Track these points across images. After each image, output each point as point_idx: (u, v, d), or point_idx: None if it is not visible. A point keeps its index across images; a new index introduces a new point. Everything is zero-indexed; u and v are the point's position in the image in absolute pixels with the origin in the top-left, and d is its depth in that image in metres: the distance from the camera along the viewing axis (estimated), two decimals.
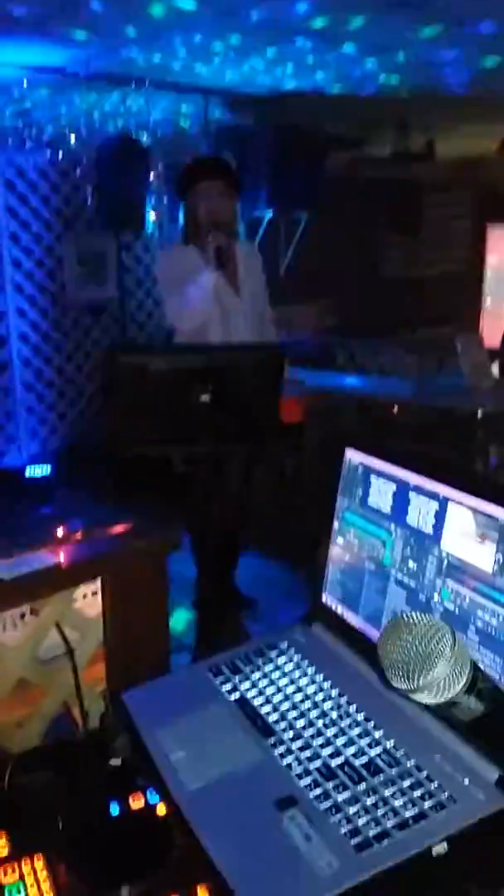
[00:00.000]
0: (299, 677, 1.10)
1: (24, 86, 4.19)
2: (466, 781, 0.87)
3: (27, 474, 2.59)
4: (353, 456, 1.18)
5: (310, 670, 1.11)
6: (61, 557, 1.49)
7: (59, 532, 1.55)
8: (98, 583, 1.58)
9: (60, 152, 4.75)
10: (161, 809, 1.04)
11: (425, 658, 0.63)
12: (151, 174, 4.83)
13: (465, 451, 3.66)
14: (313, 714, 1.02)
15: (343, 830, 0.84)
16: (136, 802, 1.05)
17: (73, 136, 4.75)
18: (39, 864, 0.98)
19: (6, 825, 1.05)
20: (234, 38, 3.59)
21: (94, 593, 1.68)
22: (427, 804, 0.85)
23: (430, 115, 5.41)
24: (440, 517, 1.00)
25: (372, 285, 7.55)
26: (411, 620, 0.66)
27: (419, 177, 7.14)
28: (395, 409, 4.08)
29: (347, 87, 4.54)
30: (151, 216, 4.91)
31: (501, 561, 0.91)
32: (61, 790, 1.12)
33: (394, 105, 5.05)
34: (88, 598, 1.67)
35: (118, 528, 1.59)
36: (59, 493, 2.20)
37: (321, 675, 1.09)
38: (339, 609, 1.18)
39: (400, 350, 5.20)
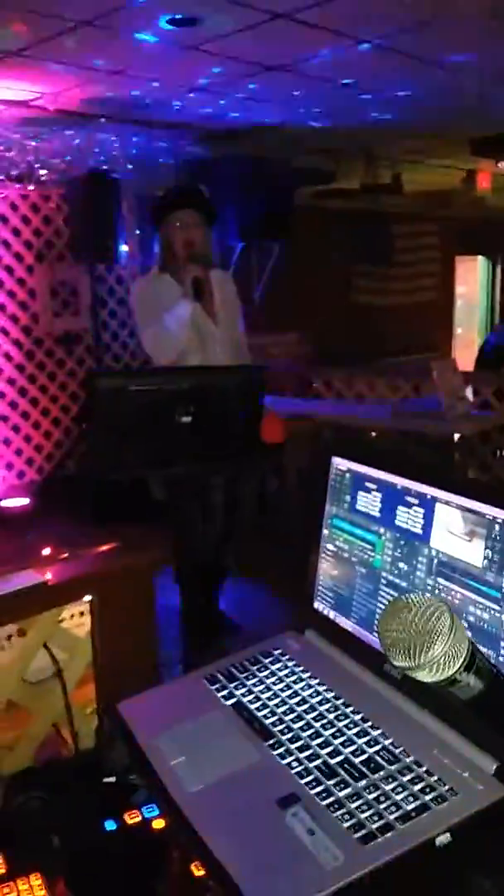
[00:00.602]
0: (295, 682, 1.10)
1: None
2: (465, 774, 0.89)
3: (4, 506, 2.58)
4: (340, 463, 1.20)
5: (304, 675, 1.12)
6: (48, 576, 1.48)
7: (46, 551, 1.55)
8: (85, 603, 1.57)
9: (31, 185, 4.80)
10: (157, 824, 1.04)
11: (426, 634, 0.64)
12: (123, 206, 4.90)
13: None
14: (311, 716, 1.03)
15: (346, 824, 0.84)
16: (132, 818, 1.05)
17: (43, 170, 4.81)
18: (37, 881, 0.98)
19: (2, 845, 1.04)
20: (203, 77, 3.69)
21: (82, 613, 1.67)
22: (428, 797, 0.86)
23: (396, 148, 5.56)
24: (428, 518, 1.03)
25: (345, 314, 7.68)
26: (410, 600, 0.68)
27: (388, 209, 7.32)
28: (374, 434, 4.15)
29: (317, 120, 4.66)
30: (123, 248, 4.97)
31: (490, 556, 0.94)
32: (56, 809, 1.11)
33: (361, 139, 5.18)
34: (76, 619, 1.67)
35: (105, 547, 1.59)
36: (38, 523, 2.20)
37: (316, 680, 1.10)
38: (332, 614, 1.19)
39: (376, 376, 5.27)
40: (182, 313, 2.72)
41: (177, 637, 2.89)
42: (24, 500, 2.56)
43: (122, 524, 1.82)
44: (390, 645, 0.67)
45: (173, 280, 2.82)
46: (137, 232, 5.06)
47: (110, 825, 1.04)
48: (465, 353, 9.02)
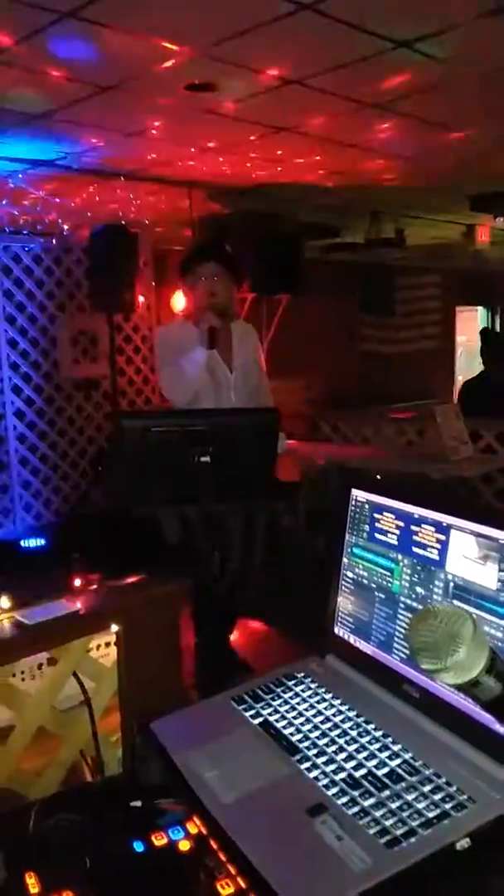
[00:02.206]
0: (318, 702, 1.17)
1: (20, 178, 4.45)
2: (483, 784, 0.95)
3: (23, 546, 2.65)
4: (358, 494, 1.28)
5: (327, 696, 1.18)
6: (79, 605, 1.55)
7: (77, 582, 1.62)
8: (112, 633, 1.63)
9: (54, 239, 5.00)
10: (183, 846, 1.09)
11: (451, 639, 0.72)
12: (140, 259, 5.09)
13: None
14: (335, 733, 1.09)
15: (372, 831, 0.90)
16: (159, 840, 1.10)
17: (65, 225, 5.01)
18: None
19: (36, 865, 1.08)
20: (217, 138, 3.88)
21: (108, 644, 1.74)
22: (448, 805, 0.92)
23: (399, 204, 5.77)
24: (444, 543, 1.10)
25: (351, 361, 7.83)
26: (436, 608, 0.75)
27: (391, 261, 7.53)
28: (378, 476, 4.21)
29: (324, 178, 4.86)
30: (140, 298, 5.14)
31: None
32: (86, 831, 1.16)
33: (366, 195, 5.39)
34: (102, 649, 1.73)
35: (133, 578, 1.66)
36: (56, 563, 2.26)
37: (339, 700, 1.16)
38: (352, 639, 1.25)
39: (381, 420, 5.38)
40: (198, 358, 2.85)
41: (192, 675, 2.92)
42: (41, 541, 2.63)
43: (139, 564, 1.89)
44: (419, 649, 0.74)
45: (194, 328, 2.96)
46: (153, 284, 5.24)
47: (139, 847, 1.09)
48: None
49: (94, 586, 1.62)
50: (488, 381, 5.24)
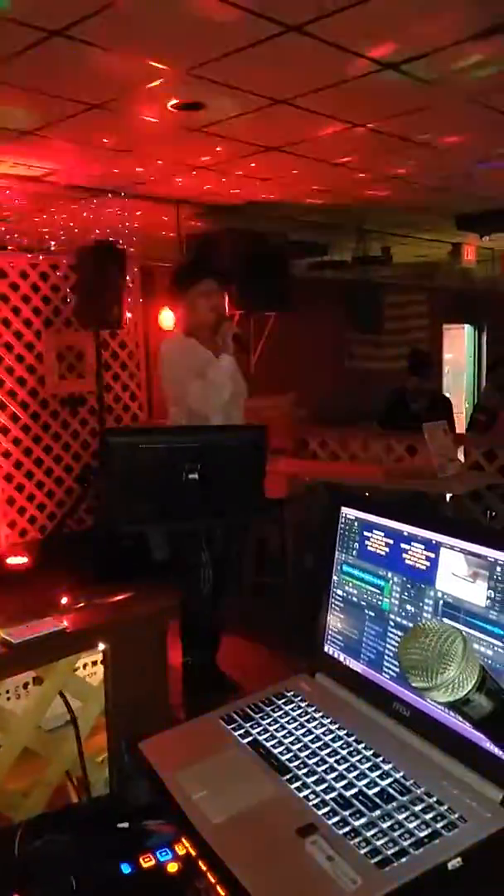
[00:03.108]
0: (308, 721, 1.16)
1: (7, 193, 4.45)
2: (474, 803, 0.94)
3: (7, 562, 2.64)
4: (348, 512, 1.28)
5: (317, 714, 1.17)
6: (65, 623, 1.53)
7: (64, 599, 1.61)
8: (99, 652, 1.62)
9: (41, 255, 5.01)
10: (171, 867, 1.07)
11: (441, 657, 0.71)
12: (127, 275, 5.10)
13: None
14: (324, 752, 1.08)
15: (363, 851, 0.89)
16: (147, 862, 1.08)
17: (52, 241, 5.02)
18: None
19: (22, 887, 1.06)
20: (205, 156, 3.91)
21: (95, 663, 1.72)
22: (439, 824, 0.92)
23: (387, 223, 5.83)
24: (433, 561, 1.10)
25: (339, 378, 7.86)
26: (427, 626, 0.75)
27: (379, 279, 7.60)
28: (367, 493, 4.22)
29: (312, 197, 4.90)
30: (128, 315, 5.15)
31: (493, 596, 1.01)
32: (73, 853, 1.14)
33: (354, 214, 5.44)
34: (89, 668, 1.71)
35: (120, 596, 1.65)
36: (40, 580, 2.25)
37: (328, 718, 1.15)
38: (341, 657, 1.25)
39: (370, 437, 5.40)
40: (226, 367, 2.91)
41: (178, 693, 2.90)
42: (24, 559, 2.62)
43: (123, 582, 1.88)
44: (409, 667, 0.74)
45: (198, 343, 3.00)
46: (140, 300, 5.25)
47: (126, 868, 1.08)
48: (456, 415, 9.19)
49: (81, 604, 1.60)
50: None
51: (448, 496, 4.44)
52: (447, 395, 6.72)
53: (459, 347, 11.25)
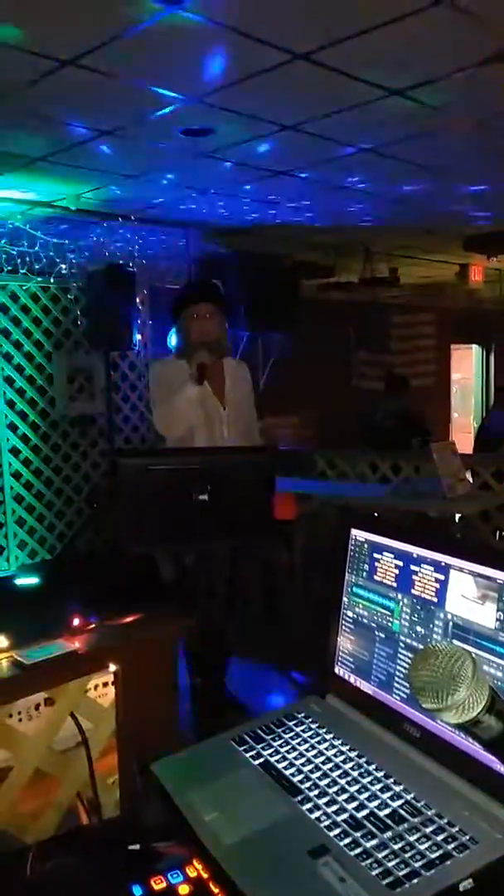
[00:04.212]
0: (319, 742, 1.16)
1: (20, 218, 4.52)
2: (485, 824, 0.94)
3: (17, 583, 2.64)
4: (358, 534, 1.29)
5: (328, 735, 1.17)
6: (77, 645, 1.55)
7: (75, 621, 1.62)
8: (110, 673, 1.63)
9: (52, 278, 5.07)
10: (182, 890, 1.08)
11: (452, 678, 0.72)
12: (137, 298, 5.16)
13: None
14: (336, 773, 1.08)
15: (375, 872, 0.89)
16: (158, 885, 1.09)
17: (62, 265, 5.08)
18: None
19: None
20: (214, 181, 3.97)
21: (105, 684, 1.73)
22: (451, 846, 0.92)
23: (393, 244, 5.88)
24: (443, 583, 1.11)
25: (347, 398, 7.89)
26: (437, 648, 0.76)
27: (386, 300, 7.64)
28: (376, 514, 4.22)
29: (320, 219, 4.95)
30: (137, 337, 5.20)
31: (502, 618, 1.02)
32: (83, 875, 1.14)
33: (361, 236, 5.49)
34: (100, 689, 1.72)
35: (130, 618, 1.66)
36: (51, 601, 2.26)
37: (339, 740, 1.16)
38: (352, 679, 1.25)
39: (377, 457, 5.40)
40: (191, 394, 2.90)
41: (187, 716, 2.89)
42: (35, 579, 2.62)
43: (132, 603, 1.89)
44: (420, 689, 0.75)
45: (186, 365, 3.00)
46: (150, 322, 5.31)
47: (137, 891, 1.08)
48: (461, 437, 9.21)
49: (92, 626, 1.62)
50: None
51: (457, 516, 4.43)
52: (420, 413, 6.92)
53: (467, 367, 11.27)
